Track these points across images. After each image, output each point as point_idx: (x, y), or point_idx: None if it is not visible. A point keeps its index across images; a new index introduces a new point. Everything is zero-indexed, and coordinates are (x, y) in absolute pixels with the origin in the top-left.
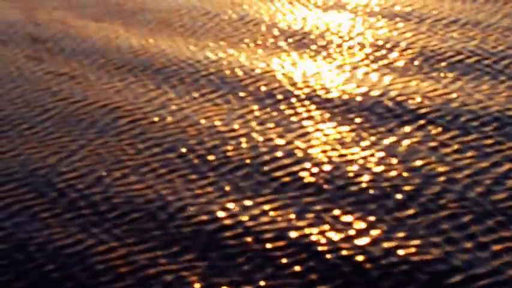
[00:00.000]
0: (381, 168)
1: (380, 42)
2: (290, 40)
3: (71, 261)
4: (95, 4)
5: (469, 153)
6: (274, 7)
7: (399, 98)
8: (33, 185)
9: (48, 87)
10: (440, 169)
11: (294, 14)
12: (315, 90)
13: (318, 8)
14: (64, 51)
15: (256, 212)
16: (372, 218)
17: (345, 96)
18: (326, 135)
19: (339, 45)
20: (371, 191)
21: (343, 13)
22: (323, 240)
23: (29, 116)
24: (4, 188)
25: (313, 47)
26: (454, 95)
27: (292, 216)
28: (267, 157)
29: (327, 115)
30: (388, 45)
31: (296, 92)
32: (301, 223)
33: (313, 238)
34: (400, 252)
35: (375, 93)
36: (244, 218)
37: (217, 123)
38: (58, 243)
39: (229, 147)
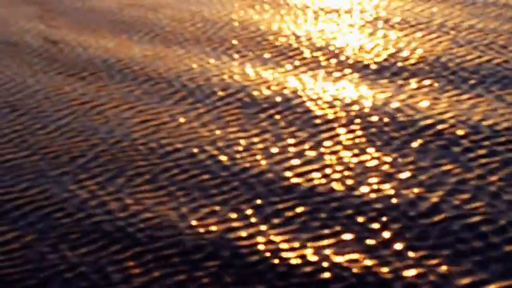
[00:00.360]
0: (408, 173)
1: (405, 51)
2: (316, 53)
3: (84, 260)
4: (112, 7)
5: (499, 157)
6: (302, 20)
7: (423, 104)
8: (52, 190)
9: (73, 89)
10: (470, 173)
11: (321, 26)
12: (343, 99)
13: (340, 18)
14: (83, 54)
15: (278, 220)
16: (401, 224)
17: (370, 103)
18: (352, 138)
19: (364, 56)
20: (399, 197)
21: (371, 27)
22: (351, 248)
23: (54, 120)
24: (33, 193)
25: (338, 56)
26: (482, 98)
27: (317, 223)
28: (294, 162)
29: (352, 119)
30: (411, 53)
31: (324, 99)
32: (325, 231)
33: (340, 246)
34: (431, 261)
35: (401, 97)
36: (270, 225)
37: (241, 127)
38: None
39: (256, 152)
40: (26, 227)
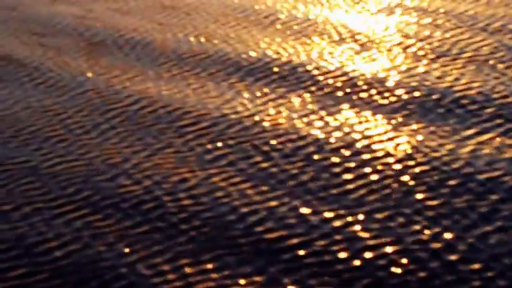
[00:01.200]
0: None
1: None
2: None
3: (140, 259)
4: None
5: None
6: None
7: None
8: (100, 194)
9: (120, 90)
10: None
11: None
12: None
13: (365, 9)
14: (130, 53)
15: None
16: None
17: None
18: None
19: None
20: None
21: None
22: (394, 245)
23: (101, 122)
24: (73, 198)
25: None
26: None
27: (375, 225)
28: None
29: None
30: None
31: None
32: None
33: (384, 240)
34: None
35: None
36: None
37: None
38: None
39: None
40: (81, 229)
